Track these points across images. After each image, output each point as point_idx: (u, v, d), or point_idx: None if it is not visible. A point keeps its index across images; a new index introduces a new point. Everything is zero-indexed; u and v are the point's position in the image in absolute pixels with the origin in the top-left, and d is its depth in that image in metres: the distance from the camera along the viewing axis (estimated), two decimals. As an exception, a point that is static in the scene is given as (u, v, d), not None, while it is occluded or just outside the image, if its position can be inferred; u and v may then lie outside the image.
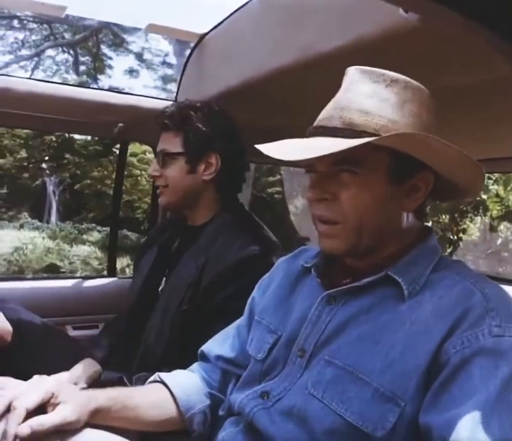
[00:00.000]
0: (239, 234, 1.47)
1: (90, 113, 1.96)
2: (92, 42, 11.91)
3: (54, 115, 1.94)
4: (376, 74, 0.91)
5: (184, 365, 1.33)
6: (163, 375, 1.10)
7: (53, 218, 14.04)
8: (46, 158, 12.81)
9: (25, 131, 12.34)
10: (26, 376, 0.98)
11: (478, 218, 9.10)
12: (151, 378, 1.12)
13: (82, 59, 12.19)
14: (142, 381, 1.29)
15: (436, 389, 0.79)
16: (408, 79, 0.91)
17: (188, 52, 1.97)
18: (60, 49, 11.69)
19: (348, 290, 0.93)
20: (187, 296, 1.42)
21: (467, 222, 8.95)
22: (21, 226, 12.67)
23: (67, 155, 12.50)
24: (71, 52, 11.84)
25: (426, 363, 0.80)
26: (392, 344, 0.84)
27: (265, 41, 1.42)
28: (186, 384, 1.09)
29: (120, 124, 1.99)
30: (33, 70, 11.57)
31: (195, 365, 1.16)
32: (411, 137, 0.84)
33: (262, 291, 1.14)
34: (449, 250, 8.72)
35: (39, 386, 0.88)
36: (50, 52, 11.73)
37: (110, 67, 12.25)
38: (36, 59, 11.72)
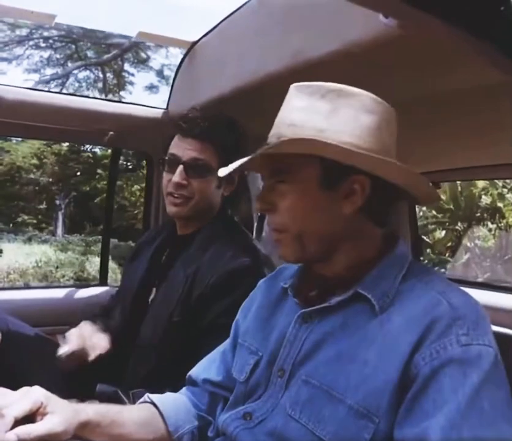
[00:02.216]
0: (230, 244, 1.46)
1: (82, 121, 1.96)
2: (115, 60, 12.11)
3: (45, 124, 1.94)
4: (313, 87, 0.94)
5: (177, 378, 1.32)
6: (153, 396, 1.10)
7: (59, 231, 14.07)
8: (78, 173, 12.92)
9: (64, 148, 12.48)
10: (15, 385, 0.97)
11: (494, 226, 9.19)
12: (141, 400, 1.11)
13: (102, 75, 12.39)
14: (138, 397, 1.28)
15: (408, 402, 0.79)
16: (344, 86, 0.93)
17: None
18: (85, 68, 11.88)
19: (320, 309, 0.94)
20: (178, 307, 1.41)
21: (483, 229, 9.06)
22: (29, 239, 12.80)
23: (99, 170, 12.58)
24: (95, 71, 12.03)
25: (397, 377, 0.80)
26: (365, 361, 0.84)
27: (255, 48, 1.43)
28: (175, 405, 1.09)
29: (111, 132, 1.99)
30: (61, 89, 11.73)
31: (184, 390, 1.16)
32: (298, 141, 0.89)
33: (244, 314, 1.14)
34: (465, 257, 8.80)
35: (28, 395, 0.87)
36: (75, 70, 11.94)
37: (131, 83, 12.46)
38: (63, 79, 11.92)
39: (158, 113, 2.04)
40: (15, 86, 1.86)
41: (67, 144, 12.54)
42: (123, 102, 2.06)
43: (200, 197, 1.51)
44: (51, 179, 13.20)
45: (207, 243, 1.49)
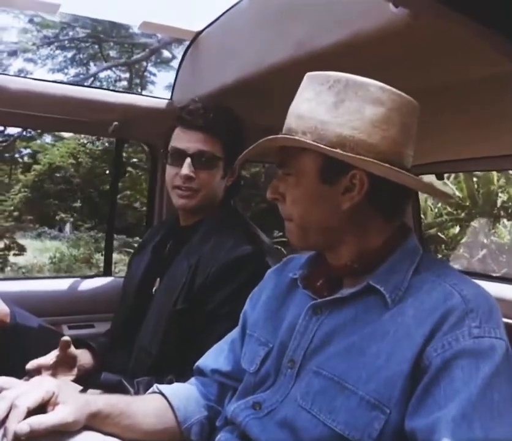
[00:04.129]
0: (232, 233, 1.47)
1: (86, 112, 1.95)
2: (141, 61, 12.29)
3: (49, 114, 1.93)
4: (322, 77, 0.94)
5: (180, 366, 1.32)
6: (162, 387, 1.10)
7: (67, 227, 14.20)
8: (107, 172, 13.03)
9: (98, 149, 12.65)
10: (21, 376, 0.98)
11: (510, 223, 9.26)
12: (150, 390, 1.12)
13: (124, 75, 12.55)
14: (143, 385, 1.29)
15: (420, 393, 0.80)
16: (353, 76, 0.92)
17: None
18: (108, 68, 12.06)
19: (332, 300, 0.95)
20: (181, 295, 1.42)
21: (499, 226, 9.13)
22: (39, 235, 12.93)
23: (129, 169, 12.69)
24: (117, 71, 12.20)
25: (409, 369, 0.81)
26: (377, 353, 0.85)
27: (260, 38, 1.42)
28: (184, 395, 1.10)
29: (115, 123, 1.99)
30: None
31: (193, 380, 1.17)
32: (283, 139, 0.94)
33: (253, 304, 1.15)
34: (482, 253, 8.88)
35: (40, 385, 0.89)
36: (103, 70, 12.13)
37: (153, 83, 12.63)
38: (91, 79, 12.08)
39: (162, 103, 2.04)
40: (18, 76, 1.85)
41: (101, 144, 12.74)
42: (127, 92, 2.04)
43: (208, 189, 1.52)
44: (80, 179, 13.33)
45: (209, 233, 1.50)
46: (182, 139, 1.52)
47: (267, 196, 1.01)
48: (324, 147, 0.88)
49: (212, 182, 1.52)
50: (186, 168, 1.48)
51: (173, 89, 2.05)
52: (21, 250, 11.20)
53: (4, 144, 12.46)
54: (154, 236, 1.74)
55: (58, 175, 13.17)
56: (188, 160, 1.49)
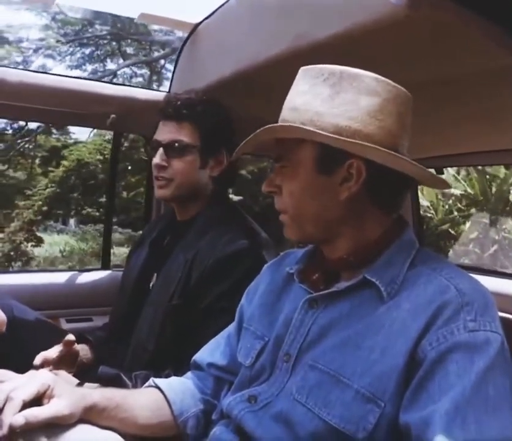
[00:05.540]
0: (228, 228, 1.47)
1: (83, 104, 1.94)
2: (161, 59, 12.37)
3: (47, 106, 1.92)
4: (316, 70, 0.94)
5: (177, 361, 1.33)
6: (158, 380, 1.11)
7: (72, 220, 14.23)
8: (129, 167, 13.09)
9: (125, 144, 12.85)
10: (19, 370, 0.98)
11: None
12: (146, 384, 1.12)
13: (140, 71, 12.66)
14: (141, 379, 1.29)
15: (414, 387, 0.80)
16: (347, 68, 0.92)
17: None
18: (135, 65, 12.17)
19: (328, 294, 0.95)
20: (178, 290, 1.42)
21: (510, 222, 9.17)
22: (45, 229, 13.01)
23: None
24: (133, 67, 12.26)
25: (404, 362, 0.81)
26: (372, 346, 0.85)
27: (259, 31, 1.41)
28: (180, 389, 1.10)
29: (113, 115, 1.98)
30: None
31: (189, 374, 1.17)
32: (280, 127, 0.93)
33: (249, 298, 1.15)
34: (493, 248, 8.91)
35: (36, 378, 0.88)
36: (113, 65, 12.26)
37: (168, 78, 12.68)
38: (111, 76, 12.19)
39: (160, 96, 2.02)
40: (16, 68, 1.84)
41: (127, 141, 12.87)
42: (125, 85, 2.03)
43: (182, 178, 1.53)
44: (104, 174, 13.39)
45: (205, 227, 1.50)
46: (160, 131, 1.55)
47: (263, 189, 1.00)
48: (323, 133, 0.88)
49: (185, 170, 1.52)
50: (157, 157, 1.52)
51: (171, 82, 2.04)
52: (39, 241, 11.40)
53: (26, 138, 12.49)
54: (152, 231, 1.74)
55: (85, 170, 13.22)
56: (160, 149, 1.52)
